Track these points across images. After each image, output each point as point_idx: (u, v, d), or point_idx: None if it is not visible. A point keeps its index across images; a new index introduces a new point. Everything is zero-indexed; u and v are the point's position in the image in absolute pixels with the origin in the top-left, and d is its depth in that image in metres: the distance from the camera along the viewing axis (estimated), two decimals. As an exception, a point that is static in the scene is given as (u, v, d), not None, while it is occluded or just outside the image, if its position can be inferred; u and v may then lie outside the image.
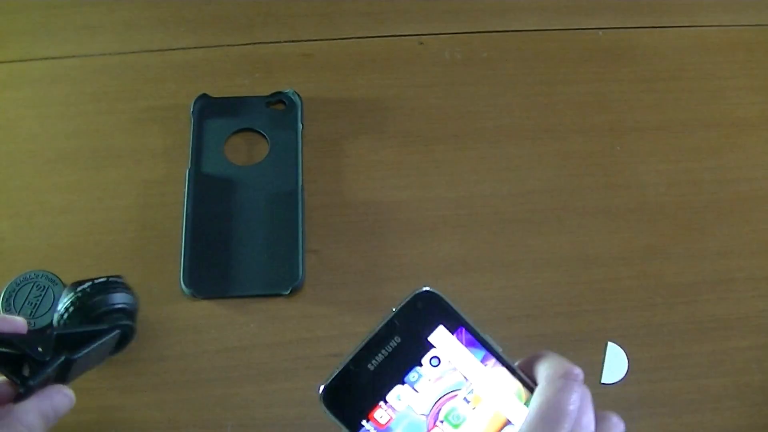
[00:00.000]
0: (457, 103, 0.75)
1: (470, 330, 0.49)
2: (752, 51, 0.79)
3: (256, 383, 0.61)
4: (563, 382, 0.43)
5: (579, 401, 0.43)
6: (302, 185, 0.69)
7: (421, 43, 0.78)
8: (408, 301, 0.49)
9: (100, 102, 0.73)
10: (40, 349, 0.48)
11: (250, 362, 0.62)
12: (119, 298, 0.56)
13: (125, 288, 0.57)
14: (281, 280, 0.65)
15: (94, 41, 0.76)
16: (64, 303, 0.55)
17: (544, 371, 0.45)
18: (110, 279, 0.56)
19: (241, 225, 0.68)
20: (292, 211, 0.68)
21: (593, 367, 0.63)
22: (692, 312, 0.66)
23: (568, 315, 0.65)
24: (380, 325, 0.49)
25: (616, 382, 0.62)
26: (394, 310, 0.49)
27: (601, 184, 0.71)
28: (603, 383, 0.62)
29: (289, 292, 0.65)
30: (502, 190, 0.71)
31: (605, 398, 0.62)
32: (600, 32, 0.80)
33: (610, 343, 0.64)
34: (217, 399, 0.60)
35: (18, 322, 0.49)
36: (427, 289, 0.50)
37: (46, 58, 0.75)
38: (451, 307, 0.49)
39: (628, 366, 0.63)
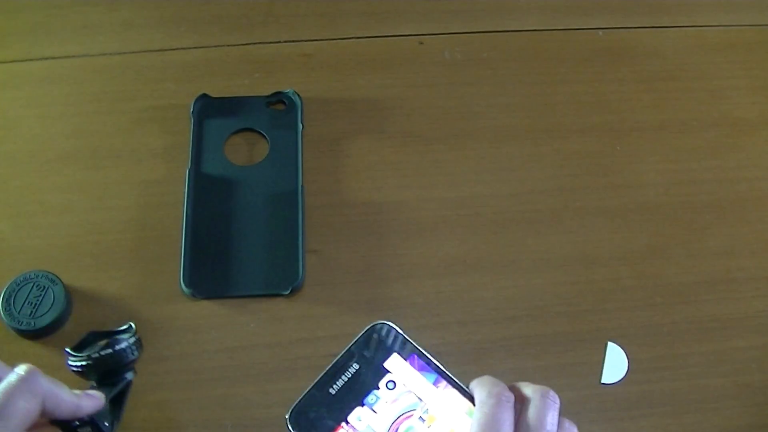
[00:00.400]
0: (457, 103, 0.75)
1: (422, 356, 0.54)
2: (752, 51, 0.79)
3: (256, 383, 0.61)
4: (496, 399, 0.49)
5: (511, 418, 0.48)
6: (302, 185, 0.69)
7: (421, 43, 0.78)
8: (364, 333, 0.54)
9: (100, 102, 0.73)
10: (106, 423, 0.52)
11: (250, 362, 0.62)
12: (130, 356, 0.56)
13: (135, 341, 0.57)
14: (281, 280, 0.65)
15: (94, 41, 0.76)
16: (76, 362, 0.55)
17: (478, 394, 0.50)
18: (124, 345, 0.56)
19: (241, 225, 0.68)
20: (292, 211, 0.68)
21: (593, 367, 0.63)
22: (692, 312, 0.66)
23: (568, 315, 0.65)
24: (340, 354, 0.54)
25: (616, 382, 0.63)
26: (352, 341, 0.54)
27: (601, 184, 0.71)
28: (603, 383, 0.62)
29: (289, 292, 0.65)
30: (502, 190, 0.71)
31: (605, 398, 0.62)
32: (600, 32, 0.80)
33: (610, 343, 0.64)
34: (217, 399, 0.60)
35: (98, 400, 0.51)
36: (382, 321, 0.55)
37: (46, 58, 0.75)
38: (404, 337, 0.54)
39: (628, 366, 0.63)
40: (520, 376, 0.62)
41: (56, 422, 0.49)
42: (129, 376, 0.56)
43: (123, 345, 0.55)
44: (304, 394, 0.53)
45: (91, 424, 0.51)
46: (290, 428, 0.52)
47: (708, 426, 0.61)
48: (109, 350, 0.55)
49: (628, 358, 0.63)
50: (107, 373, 0.55)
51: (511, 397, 0.50)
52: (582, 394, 0.62)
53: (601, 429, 0.61)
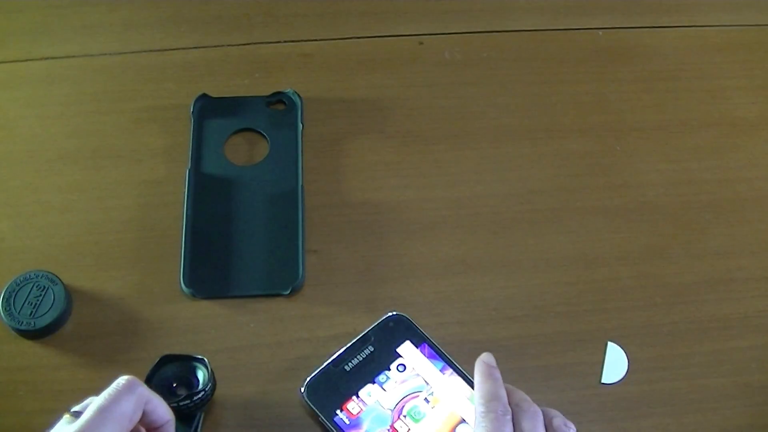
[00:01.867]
0: (457, 103, 0.75)
1: (432, 346, 0.60)
2: (752, 51, 0.79)
3: (256, 383, 0.61)
4: (495, 414, 0.52)
5: (511, 429, 0.52)
6: (302, 185, 0.69)
7: (421, 43, 0.78)
8: (381, 321, 0.61)
9: (100, 102, 0.73)
10: None
11: (250, 362, 0.62)
12: (208, 400, 0.57)
13: (212, 386, 0.58)
14: (281, 280, 0.65)
15: (94, 41, 0.77)
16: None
17: (478, 405, 0.54)
18: (202, 395, 0.57)
19: (241, 225, 0.68)
20: (292, 211, 0.68)
21: (593, 367, 0.63)
22: (692, 312, 0.66)
23: (568, 315, 0.65)
24: (357, 337, 0.60)
25: (616, 382, 0.63)
26: (369, 327, 0.60)
27: (601, 184, 0.71)
28: (603, 383, 0.62)
29: (289, 292, 0.65)
30: (502, 190, 0.71)
31: (605, 398, 0.62)
32: (600, 32, 0.80)
33: (610, 343, 0.64)
34: (217, 399, 0.60)
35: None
36: (397, 312, 0.61)
37: (46, 58, 0.75)
38: (417, 328, 0.61)
39: (628, 366, 0.63)
40: (521, 376, 0.62)
41: None
42: (200, 414, 0.58)
43: (202, 395, 0.56)
44: (320, 368, 0.58)
45: None
46: (305, 398, 0.57)
47: (708, 426, 0.61)
48: (188, 402, 0.56)
49: (628, 358, 0.63)
50: (183, 414, 0.57)
51: (509, 409, 0.53)
52: (582, 394, 0.62)
53: (601, 429, 0.61)
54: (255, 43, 0.77)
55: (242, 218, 0.68)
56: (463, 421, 0.57)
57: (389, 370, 0.59)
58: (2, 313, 0.61)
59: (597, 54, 0.78)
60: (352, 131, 0.73)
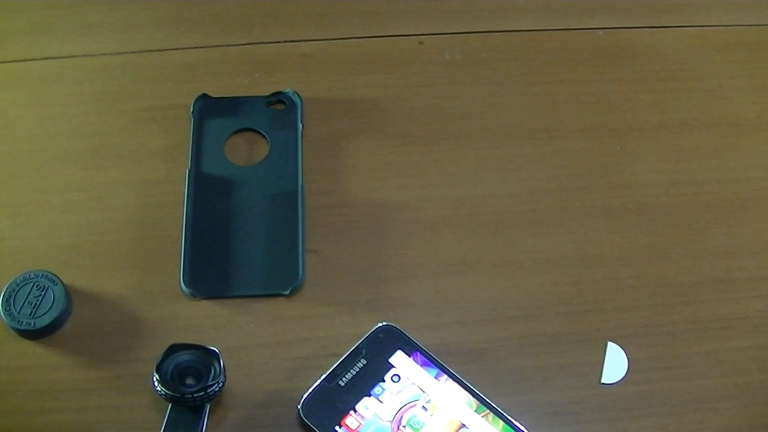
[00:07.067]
0: (457, 103, 0.75)
1: (424, 353, 0.60)
2: (752, 51, 0.79)
3: (256, 383, 0.61)
4: None
5: None
6: (302, 185, 0.69)
7: (421, 43, 0.78)
8: (371, 333, 0.61)
9: (100, 102, 0.73)
10: None
11: (250, 362, 0.62)
12: (217, 391, 0.58)
13: (224, 379, 0.58)
14: (281, 280, 0.65)
15: (94, 41, 0.77)
16: (165, 391, 0.56)
17: None
18: (216, 389, 0.57)
19: (241, 225, 0.68)
20: (292, 211, 0.68)
21: (593, 367, 0.63)
22: (692, 312, 0.66)
23: (568, 315, 0.65)
24: (349, 351, 0.60)
25: (616, 382, 0.63)
26: (359, 340, 0.60)
27: (601, 184, 0.71)
28: (603, 383, 0.62)
29: (289, 292, 0.65)
30: (502, 190, 0.71)
31: (605, 398, 0.62)
32: (600, 32, 0.80)
33: (610, 343, 0.64)
34: (217, 399, 0.60)
35: None
36: (386, 323, 0.61)
37: (46, 58, 0.75)
38: (407, 336, 0.61)
39: (628, 366, 0.63)
40: (520, 376, 0.62)
41: None
42: (207, 405, 0.58)
43: (216, 388, 0.57)
44: (314, 385, 0.58)
45: None
46: (303, 417, 0.58)
47: (708, 426, 0.61)
48: (202, 394, 0.56)
49: (628, 358, 0.63)
50: (191, 405, 0.57)
51: None
52: (582, 394, 0.62)
53: (601, 429, 0.61)
54: (255, 43, 0.77)
55: (242, 218, 0.68)
56: (463, 426, 0.57)
57: (384, 381, 0.59)
58: (2, 313, 0.61)
59: (597, 54, 0.78)
60: (352, 131, 0.73)
